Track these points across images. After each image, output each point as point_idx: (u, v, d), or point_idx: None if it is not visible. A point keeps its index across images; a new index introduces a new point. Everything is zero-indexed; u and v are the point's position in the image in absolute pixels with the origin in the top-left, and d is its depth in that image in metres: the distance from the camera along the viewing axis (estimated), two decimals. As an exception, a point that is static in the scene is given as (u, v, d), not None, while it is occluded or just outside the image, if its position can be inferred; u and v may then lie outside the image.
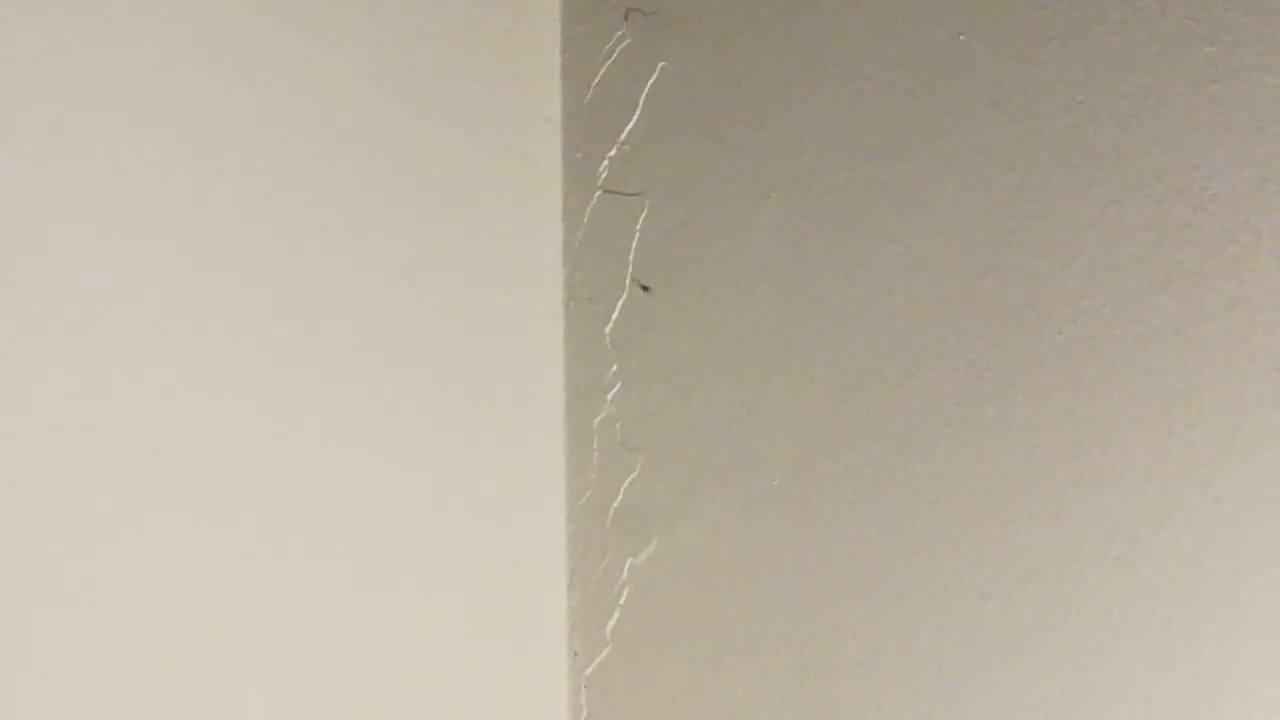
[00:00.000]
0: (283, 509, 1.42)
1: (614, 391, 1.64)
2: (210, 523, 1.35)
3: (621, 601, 1.63)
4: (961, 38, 1.48)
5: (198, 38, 1.35)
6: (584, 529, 1.65)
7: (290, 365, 1.42)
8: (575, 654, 1.65)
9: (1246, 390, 1.38)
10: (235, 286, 1.38)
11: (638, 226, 1.62)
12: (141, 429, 1.30)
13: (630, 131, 1.62)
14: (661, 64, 1.61)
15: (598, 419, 1.64)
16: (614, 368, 1.64)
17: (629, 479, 1.63)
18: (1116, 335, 1.42)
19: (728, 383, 1.58)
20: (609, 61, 1.63)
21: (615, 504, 1.64)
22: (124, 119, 1.29)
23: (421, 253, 1.54)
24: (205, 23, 1.36)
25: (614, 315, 1.64)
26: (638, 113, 1.62)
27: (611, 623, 1.64)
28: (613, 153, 1.63)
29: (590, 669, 1.64)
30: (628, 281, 1.62)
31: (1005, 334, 1.46)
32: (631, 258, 1.62)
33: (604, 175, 1.64)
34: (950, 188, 1.48)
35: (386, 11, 1.50)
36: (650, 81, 1.61)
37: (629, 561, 1.63)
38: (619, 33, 1.62)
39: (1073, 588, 1.44)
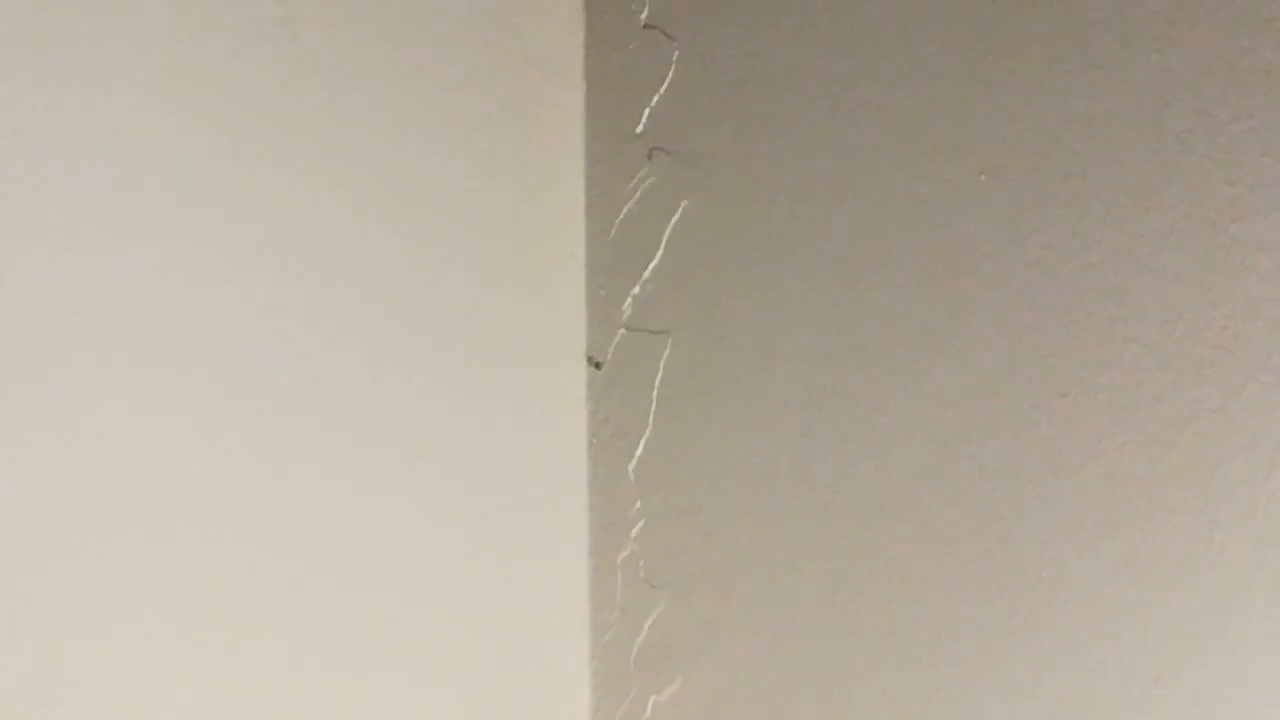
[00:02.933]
0: (299, 651, 1.42)
1: (637, 528, 1.64)
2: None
3: (645, 739, 1.63)
4: (982, 178, 1.49)
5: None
6: (607, 666, 1.65)
7: (310, 516, 1.43)
8: (599, 792, 1.65)
9: (1268, 529, 1.37)
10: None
11: (661, 364, 1.63)
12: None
13: (654, 269, 1.63)
14: (684, 202, 1.62)
15: (621, 556, 1.64)
16: (637, 504, 1.64)
17: (652, 616, 1.63)
18: (1138, 474, 1.41)
19: (750, 520, 1.58)
20: (632, 200, 1.64)
21: (639, 641, 1.63)
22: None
23: (447, 389, 1.55)
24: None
25: (638, 452, 1.64)
26: (661, 250, 1.63)
27: (635, 761, 1.63)
28: (636, 290, 1.64)
29: (613, 808, 1.63)
30: (650, 417, 1.63)
31: (1025, 472, 1.45)
32: (655, 395, 1.63)
33: (628, 313, 1.64)
34: (971, 325, 1.48)
35: (411, 149, 1.52)
36: (674, 219, 1.63)
37: (652, 699, 1.63)
38: (642, 171, 1.64)
39: (1096, 729, 1.43)
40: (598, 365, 1.64)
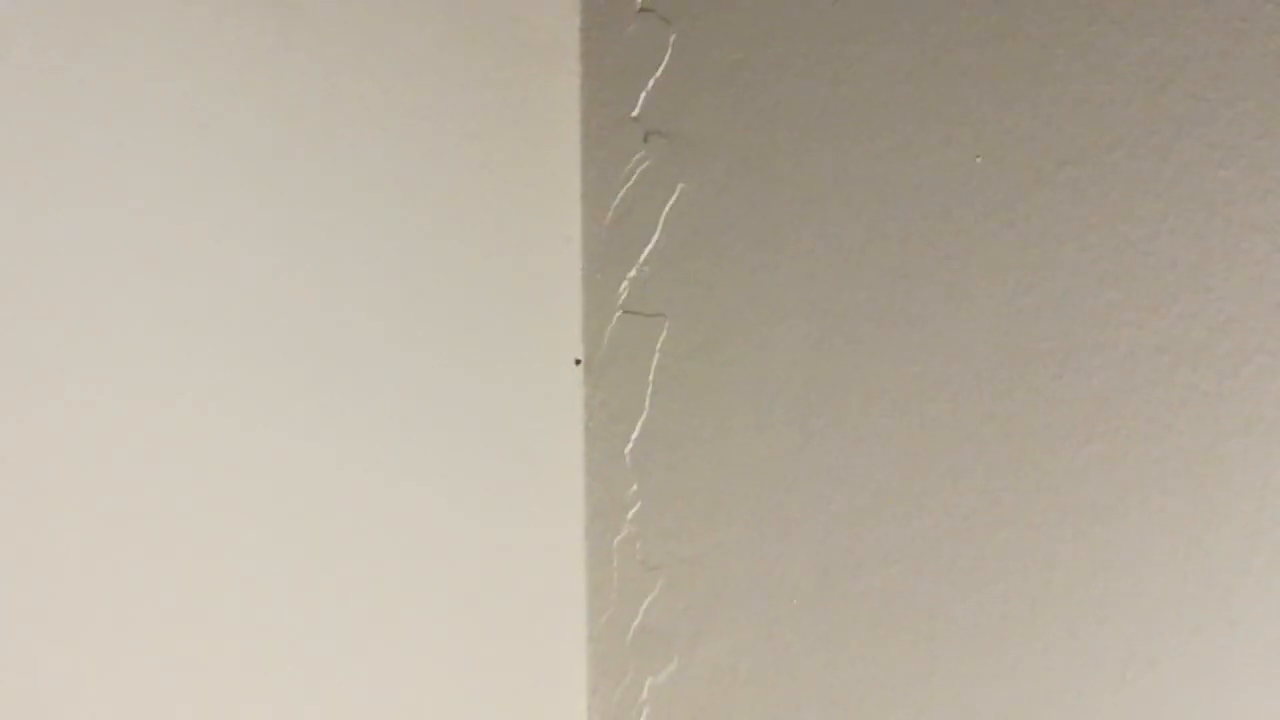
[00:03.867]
0: (297, 632, 1.43)
1: (634, 511, 1.64)
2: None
3: (642, 721, 1.63)
4: (978, 160, 1.49)
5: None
6: (604, 649, 1.65)
7: (307, 497, 1.44)
8: (596, 774, 1.65)
9: (1263, 512, 1.37)
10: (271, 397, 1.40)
11: (657, 347, 1.63)
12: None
13: (650, 252, 1.63)
14: (681, 185, 1.62)
15: (618, 538, 1.65)
16: (634, 487, 1.64)
17: (649, 599, 1.63)
18: (1132, 458, 1.42)
19: (747, 503, 1.58)
20: (629, 183, 1.64)
21: (635, 624, 1.64)
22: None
23: (443, 372, 1.55)
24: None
25: (634, 435, 1.64)
26: (657, 234, 1.63)
27: (632, 743, 1.63)
28: (632, 273, 1.64)
29: (610, 790, 1.64)
30: (647, 400, 1.63)
31: (1021, 457, 1.46)
32: (651, 378, 1.63)
33: (624, 296, 1.64)
34: (966, 310, 1.48)
35: (408, 132, 1.52)
36: (670, 203, 1.63)
37: (649, 681, 1.63)
38: (638, 155, 1.64)
39: (1091, 711, 1.42)
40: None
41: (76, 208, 1.27)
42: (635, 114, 1.64)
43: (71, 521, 1.27)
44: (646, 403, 1.64)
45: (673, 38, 1.63)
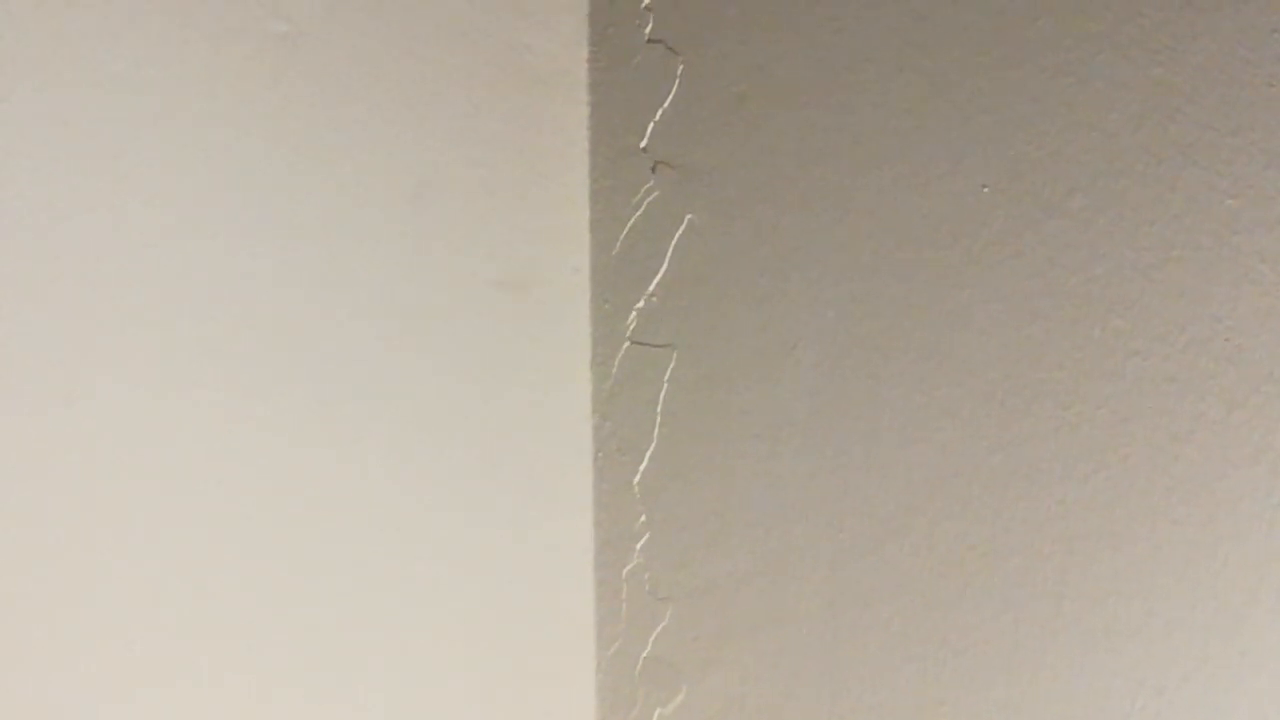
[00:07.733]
0: (305, 661, 1.43)
1: (643, 541, 1.64)
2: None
3: (651, 752, 1.63)
4: (985, 190, 1.49)
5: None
6: (613, 679, 1.65)
7: (316, 527, 1.44)
8: (604, 806, 1.65)
9: (1272, 541, 1.37)
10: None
11: (666, 377, 1.63)
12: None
13: (658, 283, 1.63)
14: (689, 216, 1.62)
15: (626, 569, 1.64)
16: (642, 518, 1.64)
17: (658, 629, 1.63)
18: (1141, 486, 1.41)
19: (755, 533, 1.58)
20: (637, 214, 1.64)
21: (644, 654, 1.63)
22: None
23: (453, 403, 1.56)
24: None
25: (642, 465, 1.64)
26: (665, 264, 1.63)
27: (641, 774, 1.63)
28: (641, 304, 1.64)
29: (619, 821, 1.63)
30: (655, 431, 1.63)
31: (1030, 485, 1.45)
32: (660, 408, 1.63)
33: (632, 326, 1.65)
34: (974, 339, 1.48)
35: (416, 163, 1.53)
36: (678, 233, 1.63)
37: (658, 712, 1.63)
38: (647, 185, 1.64)
39: (1100, 741, 1.42)
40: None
41: (91, 215, 1.28)
42: (643, 145, 1.64)
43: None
44: (655, 433, 1.64)
45: (681, 68, 1.63)
